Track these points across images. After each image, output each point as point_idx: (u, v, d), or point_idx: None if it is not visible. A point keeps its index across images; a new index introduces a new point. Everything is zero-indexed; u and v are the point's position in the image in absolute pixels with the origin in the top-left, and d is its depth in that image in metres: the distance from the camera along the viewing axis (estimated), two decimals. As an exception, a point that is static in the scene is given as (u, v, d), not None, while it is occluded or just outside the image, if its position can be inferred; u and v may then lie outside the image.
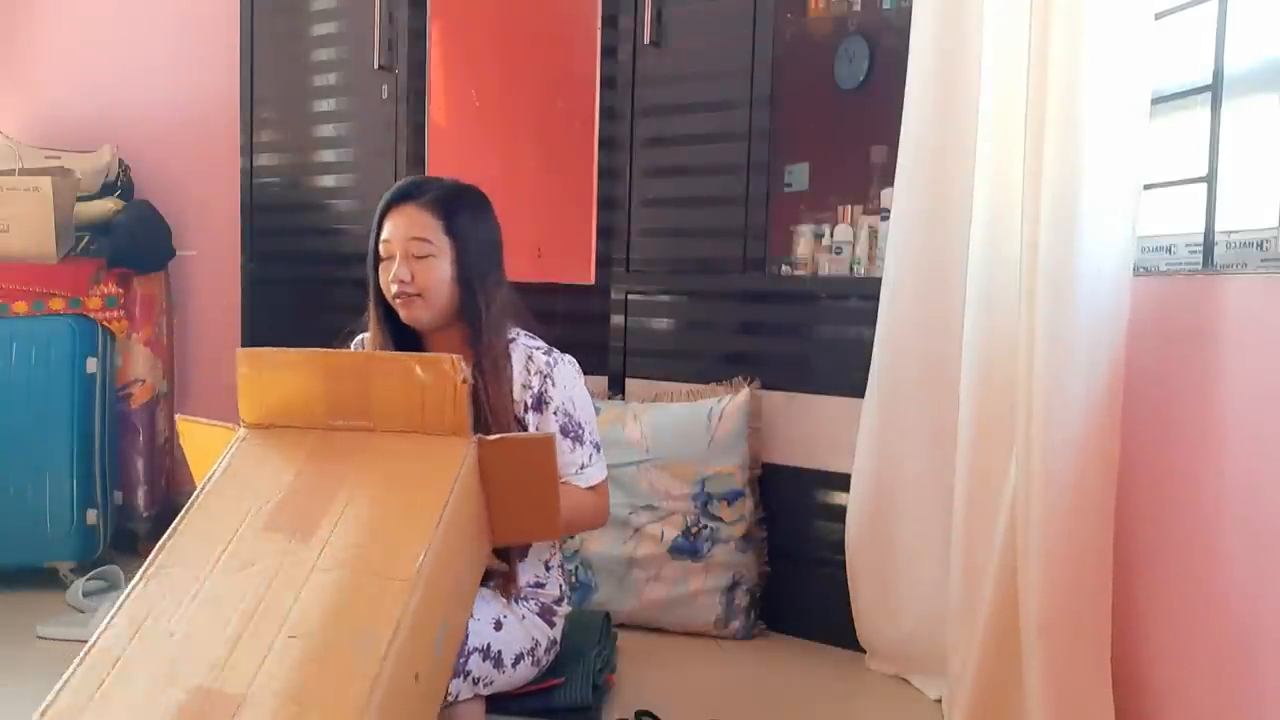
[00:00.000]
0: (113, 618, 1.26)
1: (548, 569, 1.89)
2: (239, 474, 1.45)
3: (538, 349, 1.82)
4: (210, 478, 1.45)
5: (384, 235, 1.75)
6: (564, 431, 1.78)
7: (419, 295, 1.73)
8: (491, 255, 1.80)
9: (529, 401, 1.77)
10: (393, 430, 1.49)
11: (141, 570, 1.32)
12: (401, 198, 1.75)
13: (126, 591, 1.30)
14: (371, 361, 1.56)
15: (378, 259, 1.76)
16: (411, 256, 1.72)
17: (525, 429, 1.77)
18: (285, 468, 1.45)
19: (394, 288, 1.73)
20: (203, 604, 1.26)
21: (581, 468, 1.80)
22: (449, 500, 1.38)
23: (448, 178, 1.83)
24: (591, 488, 1.82)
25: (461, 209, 1.76)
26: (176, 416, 1.62)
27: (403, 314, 1.76)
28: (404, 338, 1.81)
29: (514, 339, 1.81)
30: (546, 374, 1.78)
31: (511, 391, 1.77)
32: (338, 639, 1.20)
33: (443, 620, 1.35)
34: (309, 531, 1.34)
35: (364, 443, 1.48)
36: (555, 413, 1.78)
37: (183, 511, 1.40)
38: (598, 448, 1.83)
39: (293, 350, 1.52)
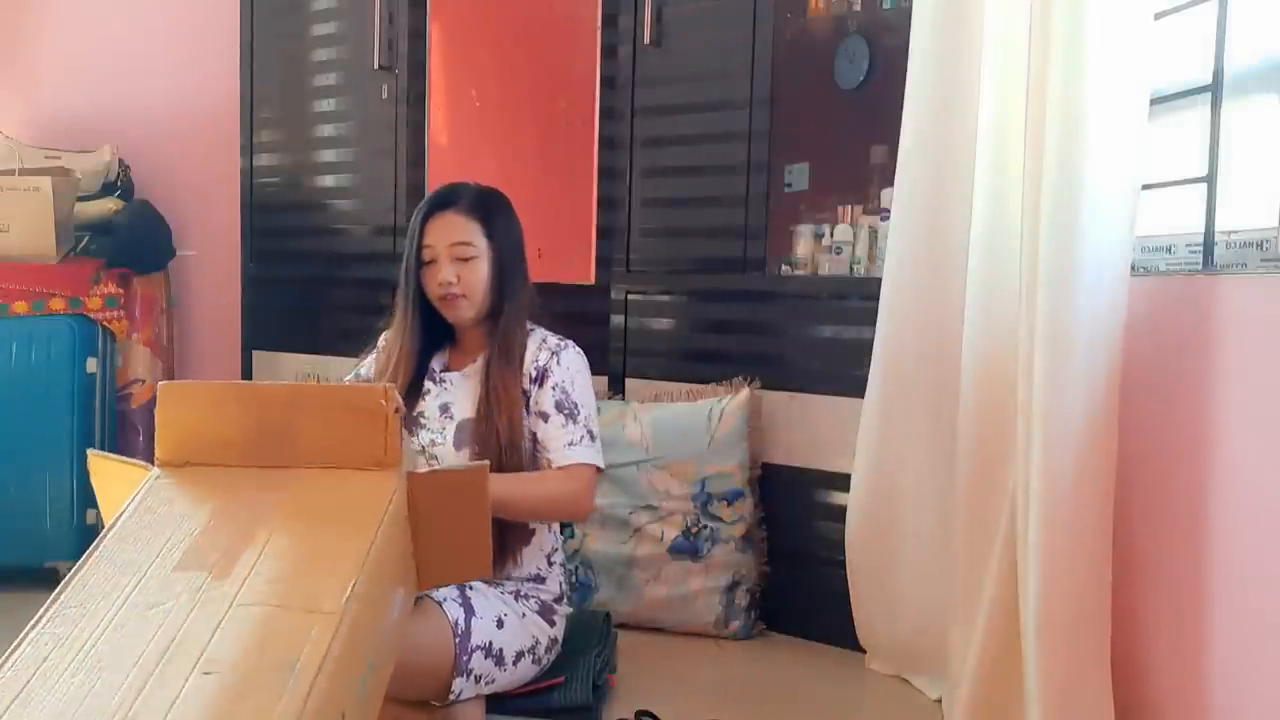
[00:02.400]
0: (2, 663, 1.14)
1: (550, 563, 1.91)
2: (149, 514, 1.34)
3: (551, 335, 1.92)
4: (117, 519, 1.34)
5: (426, 240, 1.85)
6: (559, 407, 1.84)
7: (464, 295, 1.85)
8: (519, 254, 1.93)
9: (533, 374, 1.86)
10: (320, 465, 1.41)
11: (38, 614, 1.19)
12: (441, 205, 1.87)
13: (20, 636, 1.16)
14: (299, 394, 1.48)
15: (420, 264, 1.86)
16: (456, 260, 1.84)
17: (528, 403, 1.85)
18: (200, 507, 1.34)
19: (441, 290, 1.84)
20: (108, 644, 1.14)
21: (570, 444, 1.82)
22: (377, 534, 1.30)
23: (471, 183, 1.94)
24: (568, 468, 1.80)
25: (496, 213, 1.89)
26: (88, 452, 1.52)
27: (449, 315, 1.88)
28: (434, 334, 1.93)
29: (533, 330, 1.92)
30: (554, 352, 1.88)
31: (522, 378, 1.86)
32: (258, 674, 1.09)
33: (367, 663, 1.26)
34: (227, 568, 1.24)
35: (287, 479, 1.39)
36: (553, 388, 1.85)
37: (85, 554, 1.28)
38: (593, 435, 1.85)
39: (218, 384, 1.48)
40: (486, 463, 1.49)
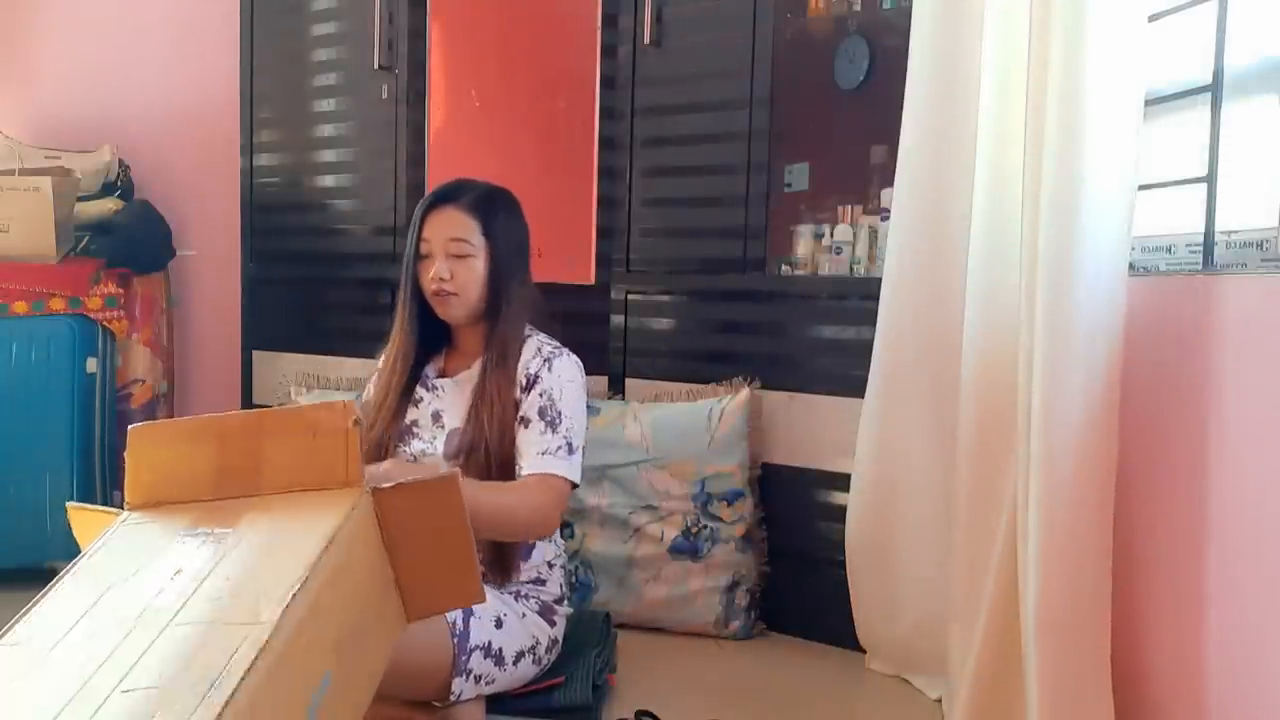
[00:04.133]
0: None
1: (550, 567, 1.91)
2: (110, 553, 1.34)
3: (548, 343, 1.90)
4: (79, 559, 1.34)
5: (424, 235, 1.85)
6: (541, 414, 1.81)
7: (455, 294, 1.84)
8: (520, 255, 1.91)
9: (524, 381, 1.84)
10: (286, 489, 1.39)
11: None
12: (442, 200, 1.86)
13: None
14: (263, 419, 1.47)
15: (418, 257, 1.86)
16: (451, 256, 1.83)
17: (518, 411, 1.83)
18: (160, 542, 1.34)
19: (433, 285, 1.83)
20: (38, 677, 1.12)
21: (543, 453, 1.77)
22: (330, 544, 1.26)
23: (481, 180, 1.93)
24: (541, 477, 1.77)
25: (497, 212, 1.87)
26: (67, 505, 1.52)
27: (439, 310, 1.87)
28: (431, 331, 1.93)
29: (530, 336, 1.90)
30: (548, 359, 1.86)
31: (515, 381, 1.84)
32: (177, 688, 1.06)
33: (324, 673, 1.22)
34: (171, 595, 1.22)
35: (250, 507, 1.38)
36: (540, 394, 1.82)
37: (41, 592, 1.27)
38: (571, 448, 1.80)
39: (184, 421, 1.47)
40: (457, 471, 1.39)
